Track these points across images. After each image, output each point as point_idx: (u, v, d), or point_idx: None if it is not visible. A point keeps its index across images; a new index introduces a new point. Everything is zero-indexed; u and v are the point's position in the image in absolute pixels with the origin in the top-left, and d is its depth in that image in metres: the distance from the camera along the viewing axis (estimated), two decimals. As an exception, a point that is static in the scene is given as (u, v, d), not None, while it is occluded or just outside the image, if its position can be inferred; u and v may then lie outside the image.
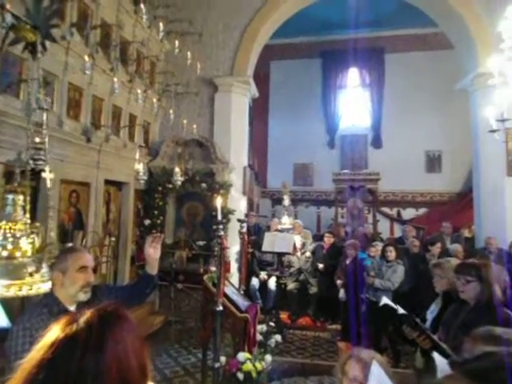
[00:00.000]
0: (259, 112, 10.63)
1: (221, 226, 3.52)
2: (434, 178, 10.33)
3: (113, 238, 5.59)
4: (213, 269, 4.53)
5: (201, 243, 6.42)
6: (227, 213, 6.30)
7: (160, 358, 4.85)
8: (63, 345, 0.77)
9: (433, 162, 10.43)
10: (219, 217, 3.54)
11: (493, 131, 4.16)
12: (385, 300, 2.84)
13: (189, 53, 5.96)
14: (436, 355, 1.98)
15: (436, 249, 5.45)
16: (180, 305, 6.08)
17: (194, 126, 6.34)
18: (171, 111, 6.29)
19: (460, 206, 9.29)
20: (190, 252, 6.43)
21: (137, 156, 5.66)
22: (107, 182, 5.55)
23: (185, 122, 6.27)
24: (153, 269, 2.32)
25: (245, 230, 4.81)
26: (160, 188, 6.57)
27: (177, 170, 5.97)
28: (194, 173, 6.49)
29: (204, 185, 6.48)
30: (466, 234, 7.28)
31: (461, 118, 8.16)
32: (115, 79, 4.93)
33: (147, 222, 6.50)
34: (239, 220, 4.49)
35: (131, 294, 2.32)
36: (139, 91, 5.61)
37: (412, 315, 2.47)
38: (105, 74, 5.18)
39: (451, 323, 2.39)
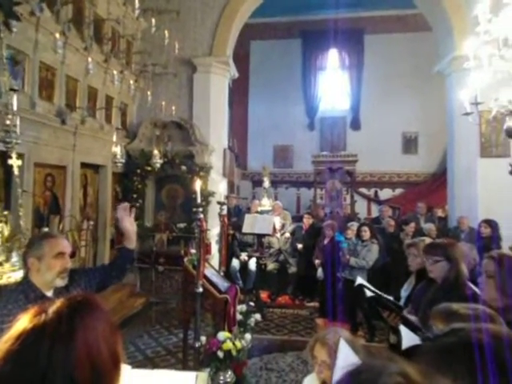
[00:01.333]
0: (239, 93, 10.53)
1: (200, 209, 3.53)
2: (411, 159, 10.56)
3: (91, 222, 5.54)
4: (193, 251, 4.57)
5: (181, 225, 6.42)
6: (207, 195, 6.31)
7: (141, 339, 4.91)
8: (31, 335, 0.76)
9: (409, 144, 10.63)
10: (198, 200, 3.56)
11: (467, 114, 4.24)
12: (359, 280, 2.95)
13: (166, 32, 5.82)
14: (403, 329, 2.07)
15: (410, 228, 5.63)
16: (161, 287, 6.13)
17: (173, 108, 6.26)
18: (149, 92, 6.19)
19: (435, 186, 9.56)
20: (170, 234, 6.43)
21: (114, 138, 5.59)
22: (84, 165, 5.45)
23: (163, 103, 6.19)
24: (131, 242, 2.33)
25: (225, 212, 4.84)
26: (138, 171, 6.49)
27: (155, 152, 5.92)
28: (173, 155, 6.43)
29: (184, 167, 6.44)
30: (440, 213, 7.53)
31: (437, 101, 8.30)
32: (89, 59, 4.78)
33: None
34: (219, 202, 4.51)
35: (110, 272, 2.32)
36: (115, 72, 5.48)
37: (379, 296, 2.57)
38: (78, 52, 5.03)
39: (420, 300, 2.51)
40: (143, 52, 6.79)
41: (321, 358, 1.85)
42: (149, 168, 6.24)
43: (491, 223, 5.09)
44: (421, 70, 9.44)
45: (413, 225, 5.71)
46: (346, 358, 1.55)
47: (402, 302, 2.89)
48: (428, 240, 3.05)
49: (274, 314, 5.99)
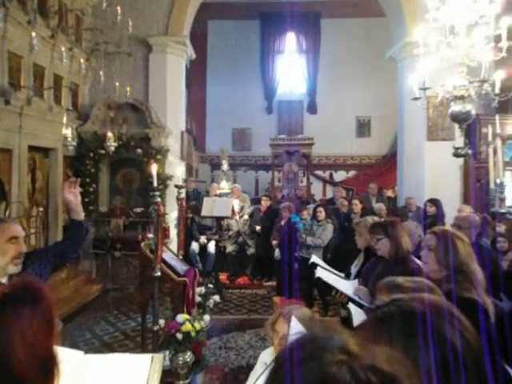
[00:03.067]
0: (197, 74, 10.33)
1: (157, 193, 3.50)
2: (364, 142, 10.92)
3: (41, 209, 5.31)
4: (150, 235, 4.51)
5: (138, 210, 6.31)
6: (165, 179, 6.23)
7: (98, 325, 4.84)
8: None
9: (363, 127, 10.99)
10: (155, 183, 3.52)
11: (415, 99, 4.42)
12: (313, 258, 3.08)
13: (119, 8, 5.57)
14: (351, 306, 2.22)
15: (355, 206, 5.89)
16: (118, 272, 6.04)
17: (128, 89, 6.08)
18: (101, 72, 5.94)
19: (386, 168, 9.99)
20: (127, 219, 6.31)
21: (64, 120, 5.35)
22: (32, 149, 5.19)
23: (117, 84, 5.99)
24: (78, 214, 2.26)
25: (183, 195, 4.81)
26: (92, 154, 6.28)
27: (109, 134, 5.74)
28: (129, 138, 6.27)
29: (139, 150, 6.30)
30: (390, 193, 7.92)
31: (390, 86, 8.56)
32: (34, 33, 4.50)
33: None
34: (176, 186, 4.47)
35: (66, 248, 2.25)
36: (63, 49, 5.21)
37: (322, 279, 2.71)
38: (21, 26, 4.70)
39: (369, 275, 2.68)
40: (94, 29, 6.48)
41: (282, 332, 1.94)
42: (102, 151, 6.06)
43: (436, 202, 5.40)
44: (375, 55, 9.64)
45: (357, 202, 5.98)
46: (297, 330, 1.63)
47: (352, 278, 3.06)
48: (371, 219, 3.23)
49: (233, 294, 6.09)
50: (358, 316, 2.12)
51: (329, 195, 10.01)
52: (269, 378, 0.57)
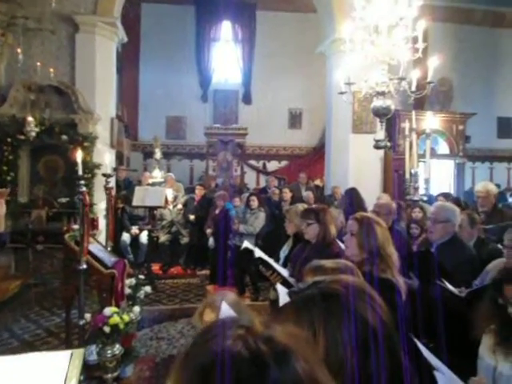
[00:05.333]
0: (129, 59, 9.91)
1: (83, 182, 3.37)
2: (295, 133, 11.29)
3: None
4: (75, 227, 4.29)
5: (63, 200, 5.96)
6: (92, 167, 5.94)
7: (18, 324, 4.51)
8: None
9: (295, 119, 11.34)
10: (80, 171, 3.37)
11: (341, 93, 4.64)
12: (245, 244, 3.15)
13: (38, -20, 5.15)
14: (279, 287, 2.31)
15: (285, 194, 6.13)
16: (40, 267, 5.66)
17: (51, 70, 5.65)
18: (19, 50, 5.46)
19: (315, 158, 10.44)
20: (50, 210, 5.92)
21: (-25, 101, 4.85)
22: None
23: (38, 64, 5.54)
24: None
25: (111, 184, 4.63)
26: (9, 139, 5.78)
27: (30, 119, 5.34)
28: (53, 123, 5.87)
29: (65, 137, 5.93)
30: (318, 183, 8.31)
31: (320, 80, 8.87)
32: None
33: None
34: (104, 174, 4.29)
35: None
36: (-28, 21, 4.69)
37: (262, 259, 2.79)
38: None
39: (297, 259, 2.81)
40: (11, 1, 5.90)
41: (210, 322, 1.95)
42: (22, 137, 5.60)
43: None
44: (307, 50, 9.85)
45: (286, 190, 6.23)
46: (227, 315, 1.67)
47: (280, 262, 3.18)
48: (301, 206, 3.38)
49: (165, 285, 6.02)
50: (285, 297, 2.20)
51: (262, 184, 10.21)
52: (181, 361, 0.59)
